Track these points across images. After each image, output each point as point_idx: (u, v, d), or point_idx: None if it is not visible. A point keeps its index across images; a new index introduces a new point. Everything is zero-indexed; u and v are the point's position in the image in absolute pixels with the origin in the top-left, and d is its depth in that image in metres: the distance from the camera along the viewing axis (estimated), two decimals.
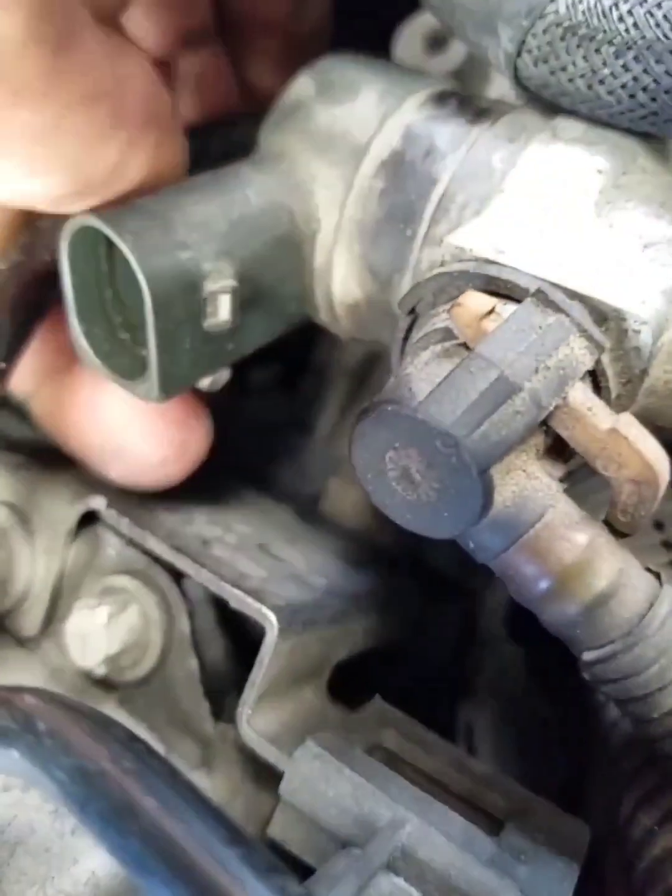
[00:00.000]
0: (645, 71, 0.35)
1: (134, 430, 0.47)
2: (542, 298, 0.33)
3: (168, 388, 0.42)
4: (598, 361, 0.34)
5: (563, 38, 0.36)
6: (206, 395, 0.48)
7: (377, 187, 0.44)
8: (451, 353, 0.34)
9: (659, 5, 0.34)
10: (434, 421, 0.31)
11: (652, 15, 0.34)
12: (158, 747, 0.43)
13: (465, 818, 0.37)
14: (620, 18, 0.35)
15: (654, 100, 0.36)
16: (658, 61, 0.35)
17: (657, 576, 0.34)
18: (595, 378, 0.35)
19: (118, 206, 0.40)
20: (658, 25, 0.34)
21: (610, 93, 0.37)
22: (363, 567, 0.53)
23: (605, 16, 0.35)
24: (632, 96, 0.36)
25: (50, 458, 0.50)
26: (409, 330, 0.39)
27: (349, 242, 0.45)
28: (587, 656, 0.33)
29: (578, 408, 0.32)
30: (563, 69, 0.37)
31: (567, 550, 0.32)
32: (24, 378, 0.48)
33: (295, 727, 0.41)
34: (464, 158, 0.42)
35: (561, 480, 0.34)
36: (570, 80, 0.37)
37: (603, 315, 0.34)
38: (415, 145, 0.43)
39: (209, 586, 0.42)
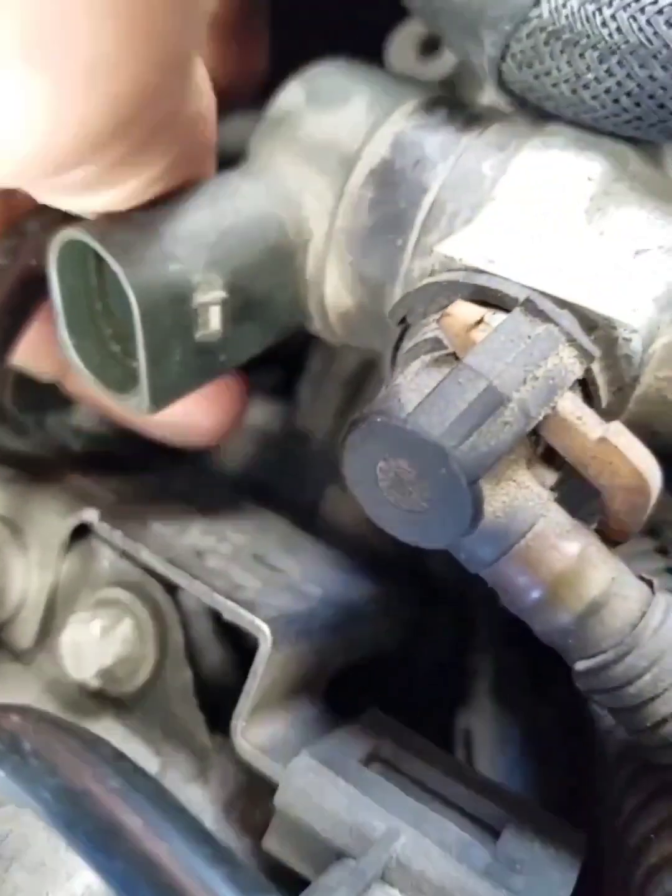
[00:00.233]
0: (628, 76, 0.35)
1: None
2: (531, 307, 0.33)
3: (159, 401, 0.42)
4: (588, 370, 0.34)
5: (546, 43, 0.36)
6: None
7: (367, 196, 0.44)
8: (440, 363, 0.34)
9: (642, 10, 0.34)
10: (423, 432, 0.30)
11: (635, 19, 0.34)
12: (154, 760, 0.42)
13: (462, 828, 0.37)
14: (604, 23, 0.35)
15: (637, 104, 0.36)
16: (641, 66, 0.35)
17: (650, 584, 0.34)
18: (585, 386, 0.34)
19: (110, 219, 0.40)
20: (641, 30, 0.34)
21: (594, 97, 0.37)
22: (361, 575, 0.53)
23: (588, 20, 0.35)
24: (615, 101, 0.36)
25: (43, 471, 0.50)
26: (401, 339, 0.39)
27: (340, 252, 0.45)
28: (580, 666, 0.33)
29: (568, 417, 0.32)
30: (547, 74, 0.37)
31: (558, 560, 0.32)
32: (52, 363, 0.50)
33: (290, 738, 0.41)
34: (454, 166, 0.42)
35: (552, 489, 0.34)
36: (554, 85, 0.37)
37: (593, 323, 0.34)
38: (404, 154, 0.43)
39: (203, 598, 0.42)
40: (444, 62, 0.62)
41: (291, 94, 0.46)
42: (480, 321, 0.33)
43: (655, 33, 0.34)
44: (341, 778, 0.37)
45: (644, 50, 0.34)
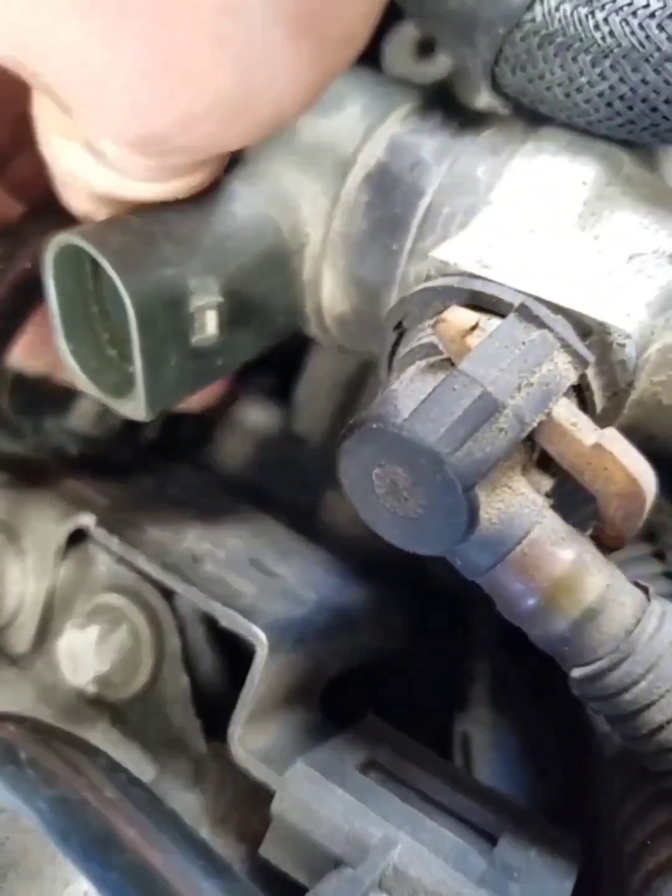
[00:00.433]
0: (621, 79, 0.35)
1: None
2: (526, 313, 0.33)
3: (156, 405, 0.42)
4: (582, 376, 0.33)
5: (540, 47, 0.36)
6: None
7: (363, 200, 0.43)
8: (436, 368, 0.34)
9: (635, 14, 0.34)
10: (418, 439, 0.30)
11: (628, 23, 0.34)
12: (151, 766, 0.42)
13: (458, 835, 0.37)
14: (597, 27, 0.35)
15: (630, 108, 0.36)
16: (634, 70, 0.35)
17: (645, 590, 0.34)
18: (580, 392, 0.34)
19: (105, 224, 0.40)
20: (633, 34, 0.34)
21: (587, 101, 0.37)
22: (358, 580, 0.53)
23: (581, 24, 0.35)
24: (609, 104, 0.36)
25: (39, 475, 0.50)
26: (396, 344, 0.39)
27: (336, 256, 0.44)
28: (576, 673, 0.33)
29: (563, 423, 0.32)
30: (541, 77, 0.37)
31: (554, 567, 0.32)
32: (43, 359, 0.50)
33: (287, 745, 0.41)
34: (449, 170, 0.42)
35: (548, 495, 0.34)
36: (548, 89, 0.37)
37: (587, 329, 0.34)
38: (400, 158, 0.43)
39: (199, 604, 0.41)
40: (440, 64, 0.61)
41: None
42: (475, 327, 0.33)
43: (648, 37, 0.34)
44: (338, 785, 0.37)
45: (637, 53, 0.34)
